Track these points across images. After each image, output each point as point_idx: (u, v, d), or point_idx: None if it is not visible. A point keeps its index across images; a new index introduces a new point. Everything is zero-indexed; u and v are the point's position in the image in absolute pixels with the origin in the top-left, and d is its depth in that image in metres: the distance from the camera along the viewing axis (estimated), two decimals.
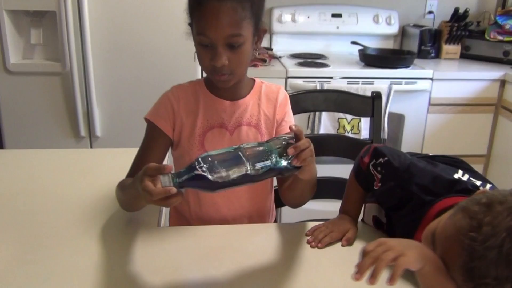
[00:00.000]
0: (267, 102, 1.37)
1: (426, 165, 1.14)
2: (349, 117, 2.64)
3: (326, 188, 1.78)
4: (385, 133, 2.67)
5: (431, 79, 2.70)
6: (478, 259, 0.78)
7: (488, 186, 1.07)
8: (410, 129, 2.78)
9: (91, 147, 2.58)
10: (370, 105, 1.79)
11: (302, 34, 3.15)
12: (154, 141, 1.32)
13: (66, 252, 1.15)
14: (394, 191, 1.13)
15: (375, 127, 1.80)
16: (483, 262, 0.78)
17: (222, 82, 1.25)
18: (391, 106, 2.65)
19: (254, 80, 1.39)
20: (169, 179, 0.95)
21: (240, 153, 1.00)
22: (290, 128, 1.05)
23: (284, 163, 1.02)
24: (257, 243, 1.22)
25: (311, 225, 1.27)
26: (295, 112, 1.76)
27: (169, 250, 1.17)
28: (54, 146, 2.54)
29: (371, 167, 1.20)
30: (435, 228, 0.90)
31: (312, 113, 2.63)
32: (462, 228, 0.81)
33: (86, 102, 2.48)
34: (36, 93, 2.47)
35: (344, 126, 2.67)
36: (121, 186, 1.24)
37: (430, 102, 2.74)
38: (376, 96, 1.79)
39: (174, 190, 0.94)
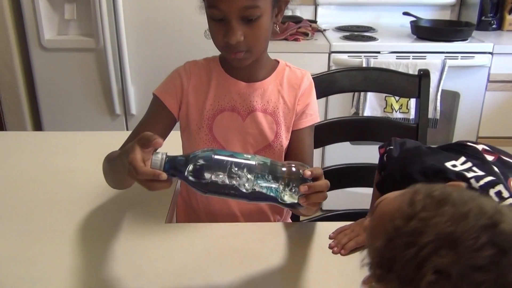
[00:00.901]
0: (289, 88, 1.20)
1: (424, 154, 1.02)
2: None
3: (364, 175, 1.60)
4: (437, 113, 2.44)
5: (491, 53, 2.42)
6: (391, 250, 0.66)
7: (489, 178, 0.90)
8: (465, 108, 2.53)
9: (126, 125, 2.50)
10: (416, 85, 1.58)
11: (350, 5, 2.92)
12: (156, 116, 1.19)
13: (65, 246, 1.05)
14: (389, 181, 1.03)
15: (422, 109, 1.60)
16: (395, 255, 0.65)
17: (238, 61, 1.09)
18: (444, 83, 2.40)
19: (278, 62, 1.22)
20: (161, 162, 0.83)
21: (248, 162, 0.85)
22: (305, 174, 0.86)
23: (287, 197, 0.86)
24: (270, 244, 1.08)
25: (332, 225, 1.10)
26: (332, 92, 1.59)
27: (174, 251, 1.05)
28: (90, 124, 2.48)
29: (384, 158, 1.09)
30: (382, 200, 0.79)
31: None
32: (396, 211, 0.69)
33: (120, 79, 2.40)
34: (71, 70, 2.41)
35: (391, 105, 2.46)
36: (109, 157, 1.10)
37: (489, 78, 2.47)
38: (423, 74, 1.58)
39: (164, 176, 0.82)
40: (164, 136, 1.17)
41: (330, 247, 1.04)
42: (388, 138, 1.65)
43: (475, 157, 0.98)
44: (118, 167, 0.96)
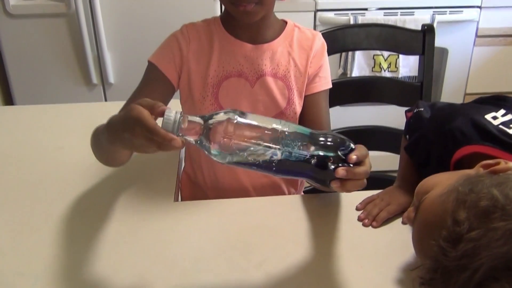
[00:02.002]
0: (300, 50, 1.08)
1: (461, 109, 0.93)
2: (385, 53, 2.32)
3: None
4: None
5: (479, 7, 2.34)
6: (442, 273, 0.59)
7: None
8: (454, 64, 2.45)
9: (104, 95, 2.33)
10: (421, 41, 1.48)
11: None
12: (152, 86, 1.05)
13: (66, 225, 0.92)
14: (422, 142, 0.95)
15: (427, 66, 1.50)
16: (446, 278, 0.59)
17: (246, 15, 0.96)
18: None
19: (286, 22, 1.10)
20: (175, 124, 0.68)
21: (280, 128, 0.72)
22: (350, 159, 0.71)
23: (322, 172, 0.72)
24: (290, 219, 0.97)
25: (358, 195, 1.00)
26: (332, 52, 1.47)
27: (187, 231, 0.93)
28: (65, 95, 2.30)
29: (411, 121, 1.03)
30: (424, 195, 0.72)
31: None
32: (441, 227, 0.61)
33: (95, 46, 2.21)
34: (41, 38, 2.21)
35: (380, 64, 2.36)
36: (98, 131, 0.91)
37: (477, 33, 2.39)
38: (428, 29, 1.48)
39: (178, 142, 0.67)
40: None
41: (360, 219, 0.94)
42: (392, 98, 1.57)
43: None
44: (111, 139, 0.79)
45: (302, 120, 1.11)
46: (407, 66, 2.34)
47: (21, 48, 2.22)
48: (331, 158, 0.72)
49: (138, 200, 1.02)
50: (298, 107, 1.09)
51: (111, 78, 2.27)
